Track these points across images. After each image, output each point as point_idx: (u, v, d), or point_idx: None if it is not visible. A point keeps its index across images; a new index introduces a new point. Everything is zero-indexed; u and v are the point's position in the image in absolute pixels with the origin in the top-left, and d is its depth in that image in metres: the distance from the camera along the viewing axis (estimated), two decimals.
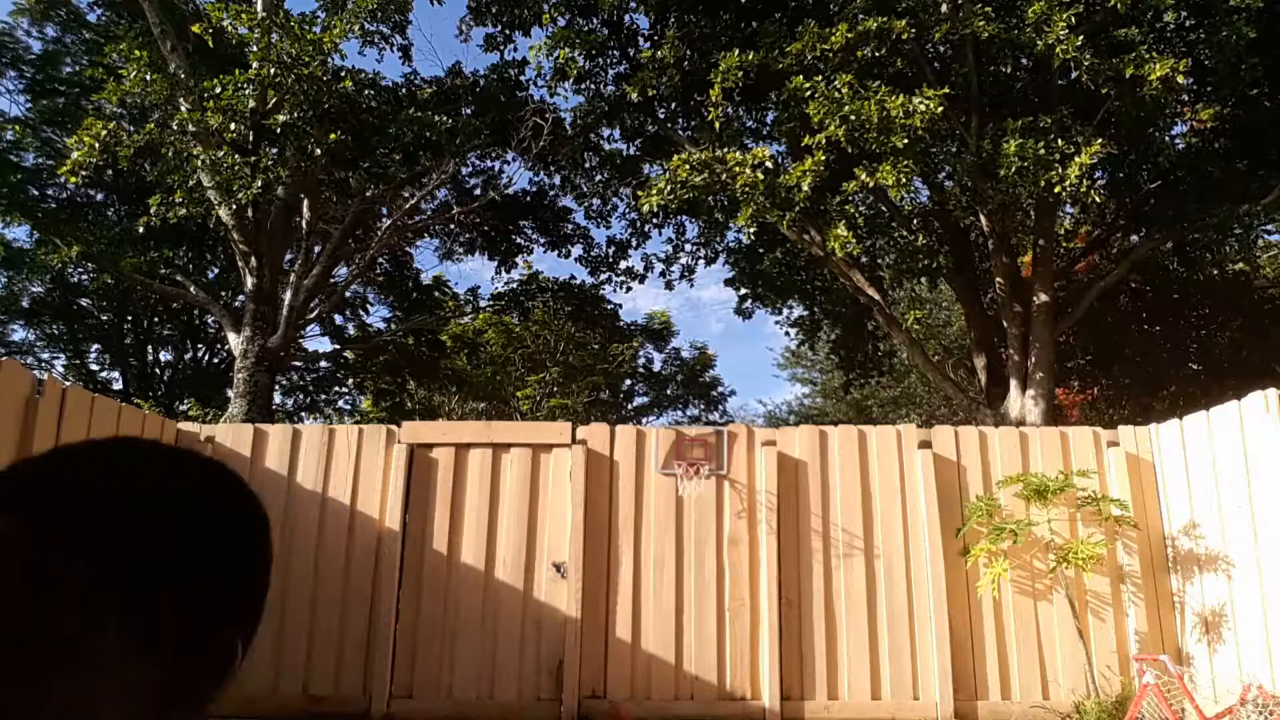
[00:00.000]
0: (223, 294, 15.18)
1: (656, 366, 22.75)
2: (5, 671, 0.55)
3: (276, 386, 13.96)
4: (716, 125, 10.09)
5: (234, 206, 10.28)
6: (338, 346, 17.39)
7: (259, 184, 9.56)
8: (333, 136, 10.16)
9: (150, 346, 18.61)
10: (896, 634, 6.40)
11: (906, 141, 8.49)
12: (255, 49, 9.72)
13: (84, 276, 16.04)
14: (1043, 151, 8.46)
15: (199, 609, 0.65)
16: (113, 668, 0.59)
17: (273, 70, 9.54)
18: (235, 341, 10.81)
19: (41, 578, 0.58)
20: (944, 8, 9.25)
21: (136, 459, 0.66)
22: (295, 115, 9.87)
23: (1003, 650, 6.35)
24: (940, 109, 8.64)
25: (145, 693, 0.61)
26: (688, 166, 9.69)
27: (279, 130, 10.06)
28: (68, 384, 5.42)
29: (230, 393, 11.35)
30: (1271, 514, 5.34)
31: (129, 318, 18.00)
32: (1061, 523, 6.36)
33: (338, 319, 17.37)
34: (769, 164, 9.50)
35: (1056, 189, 8.53)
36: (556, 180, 14.91)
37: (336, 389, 18.78)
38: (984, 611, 6.41)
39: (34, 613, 0.57)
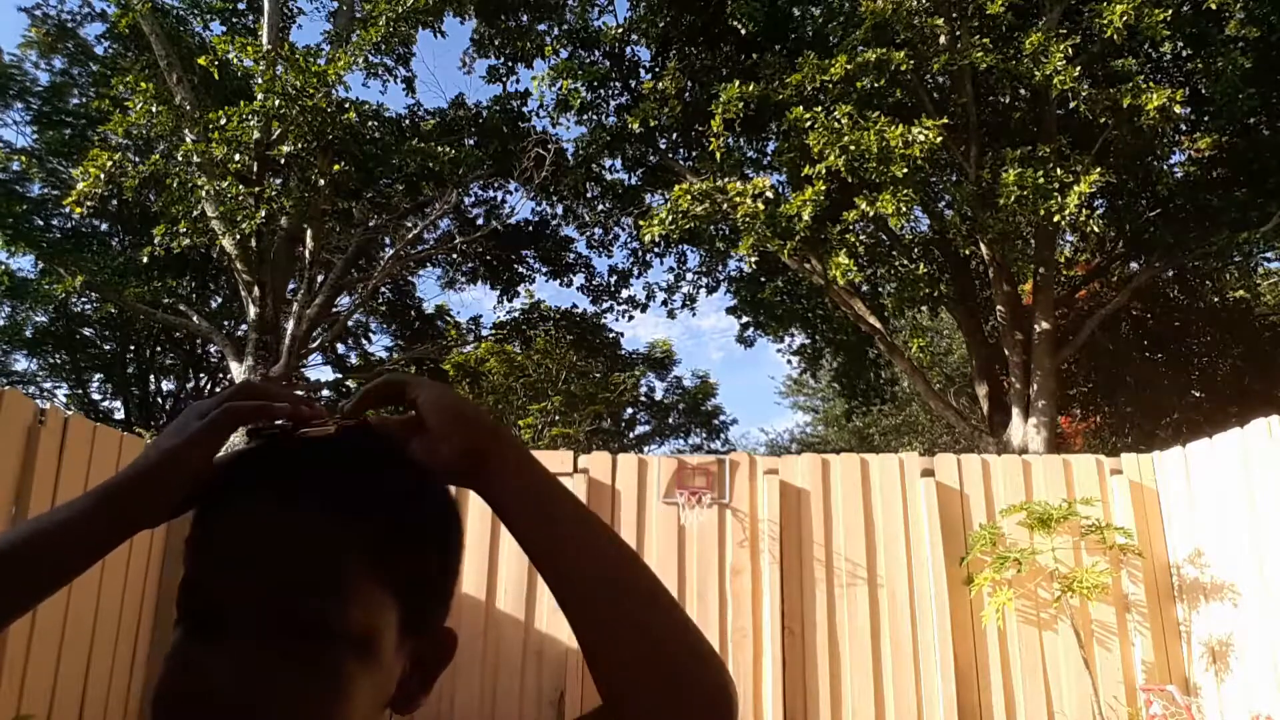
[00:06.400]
0: (225, 323, 15.21)
1: (658, 395, 22.73)
2: (315, 665, 0.62)
3: None
4: (717, 155, 10.16)
5: (237, 236, 10.33)
6: (340, 375, 17.40)
7: (263, 214, 9.62)
8: (336, 167, 10.24)
9: (152, 376, 18.63)
10: (900, 663, 6.35)
11: (906, 171, 8.55)
12: (260, 81, 9.82)
13: (87, 306, 16.10)
14: (1042, 180, 8.51)
15: (444, 600, 0.75)
16: (388, 659, 0.67)
17: (277, 102, 9.62)
18: (237, 371, 10.83)
19: (343, 578, 0.65)
20: (942, 39, 9.35)
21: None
22: (299, 146, 9.95)
23: (1008, 680, 6.29)
24: (939, 139, 8.70)
25: (396, 680, 0.69)
26: (689, 196, 9.75)
27: (283, 161, 10.14)
28: (69, 413, 5.42)
29: None
30: (1276, 541, 5.32)
31: (131, 347, 18.03)
32: (1065, 551, 6.33)
33: (340, 348, 17.41)
34: (770, 194, 9.56)
35: (1056, 218, 8.56)
36: (559, 210, 15.00)
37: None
38: (989, 641, 6.36)
39: (341, 609, 0.64)
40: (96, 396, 18.67)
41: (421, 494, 0.73)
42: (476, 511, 6.64)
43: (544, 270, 16.14)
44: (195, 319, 12.67)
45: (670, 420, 23.52)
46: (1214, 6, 8.64)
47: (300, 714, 0.60)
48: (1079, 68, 8.69)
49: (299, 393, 0.73)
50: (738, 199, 9.45)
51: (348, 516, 0.66)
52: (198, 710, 0.59)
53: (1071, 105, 9.44)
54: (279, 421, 0.72)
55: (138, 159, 10.84)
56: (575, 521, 0.71)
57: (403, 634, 0.68)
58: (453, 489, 0.77)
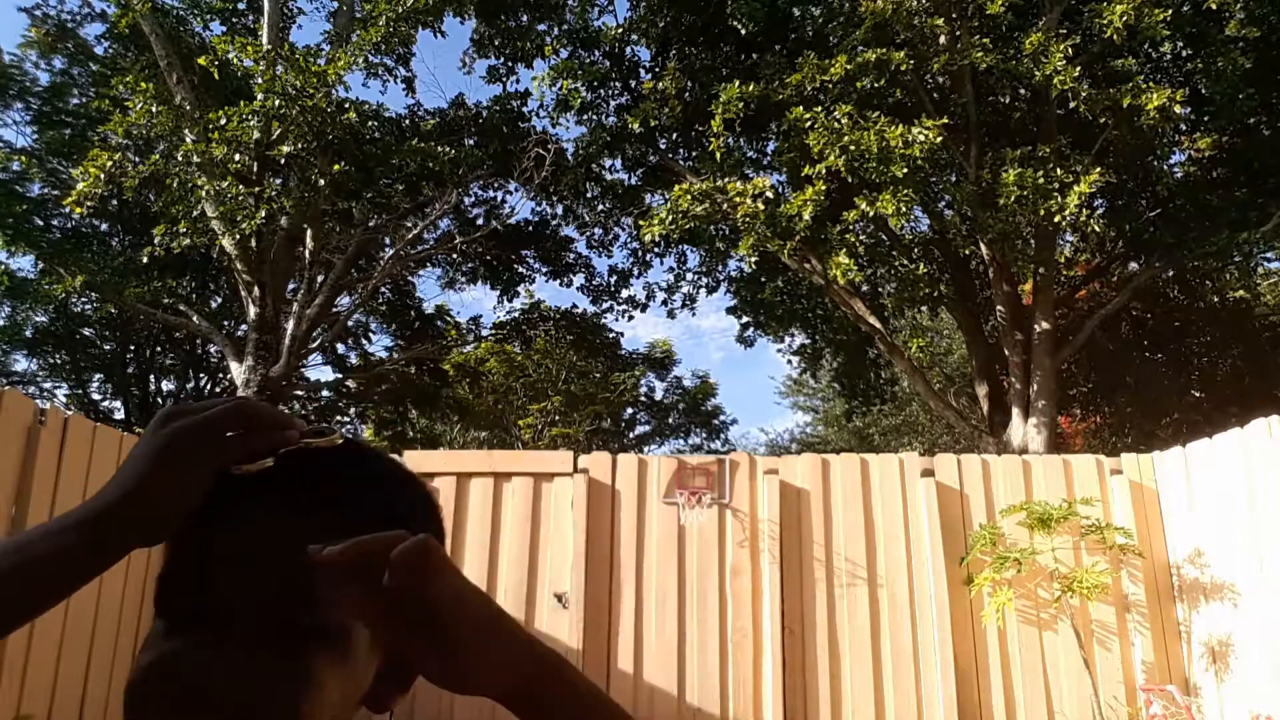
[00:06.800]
0: (225, 323, 15.20)
1: (658, 395, 22.74)
2: (289, 661, 0.62)
3: None
4: (718, 155, 10.15)
5: (237, 237, 10.33)
6: (340, 375, 17.39)
7: (262, 214, 9.61)
8: (336, 167, 10.23)
9: (152, 376, 18.61)
10: (900, 663, 6.35)
11: (906, 171, 8.55)
12: (260, 81, 9.81)
13: (87, 306, 16.08)
14: (1042, 180, 8.51)
15: None
16: (362, 658, 0.67)
17: (277, 102, 9.62)
18: (237, 371, 10.83)
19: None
20: (942, 39, 9.35)
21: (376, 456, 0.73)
22: (299, 146, 9.95)
23: (1008, 680, 6.29)
24: (939, 139, 8.70)
25: (370, 679, 0.69)
26: (689, 196, 9.75)
27: (283, 161, 10.14)
28: (69, 413, 5.42)
29: None
30: (1276, 541, 5.32)
31: (131, 347, 18.02)
32: (1065, 551, 6.33)
33: (340, 348, 17.38)
34: (770, 194, 9.56)
35: (1056, 218, 8.56)
36: (559, 210, 14.99)
37: (339, 418, 18.77)
38: (989, 641, 6.36)
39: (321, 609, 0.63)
40: (96, 396, 18.65)
41: (412, 499, 0.74)
42: (477, 512, 6.65)
43: (544, 270, 16.14)
44: (195, 319, 12.66)
45: (670, 420, 23.53)
46: (1214, 6, 8.65)
47: (270, 705, 0.61)
48: (1079, 68, 8.69)
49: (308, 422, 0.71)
50: (738, 199, 9.45)
51: (338, 519, 0.66)
52: (167, 700, 0.60)
53: (1071, 105, 9.44)
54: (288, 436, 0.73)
55: (138, 159, 10.84)
56: None
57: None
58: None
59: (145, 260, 10.78)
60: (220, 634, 0.61)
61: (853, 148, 8.69)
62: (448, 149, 11.81)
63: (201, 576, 0.65)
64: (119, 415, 18.07)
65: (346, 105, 10.85)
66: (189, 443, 0.67)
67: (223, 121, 9.64)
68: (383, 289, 15.67)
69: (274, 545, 0.65)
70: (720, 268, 15.04)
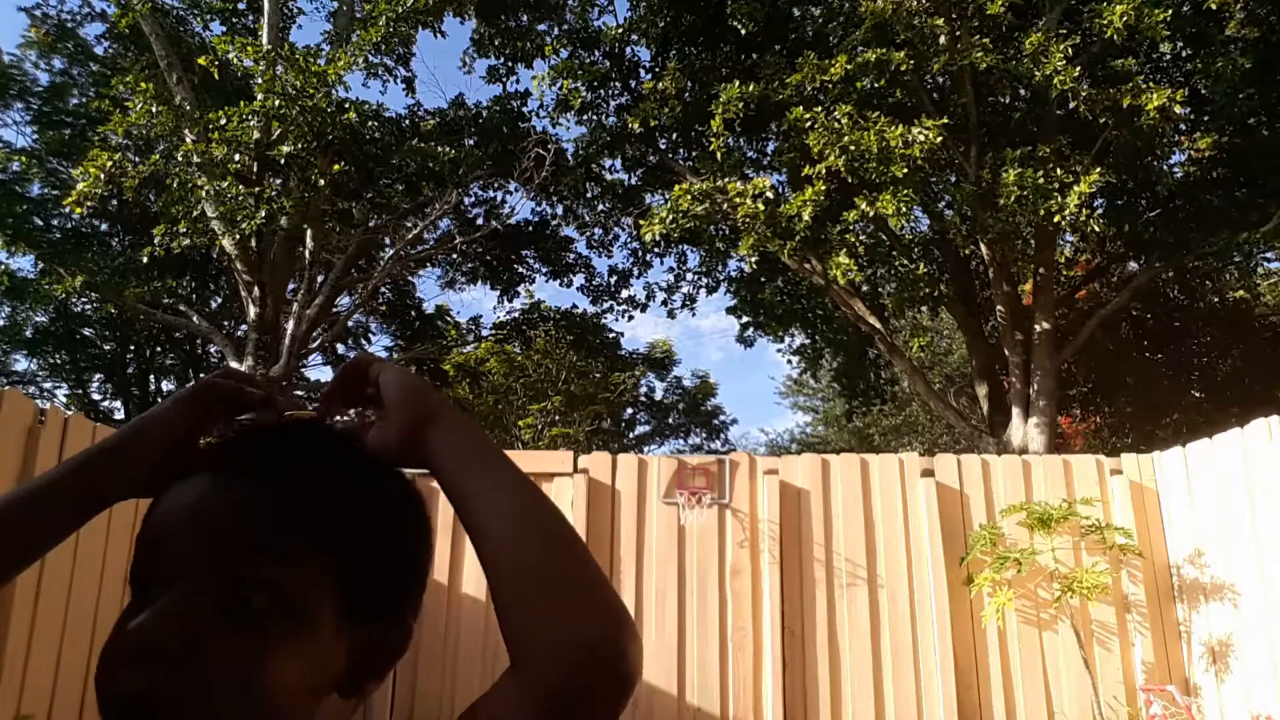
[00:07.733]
0: (225, 324, 15.20)
1: (658, 395, 22.75)
2: (244, 623, 0.62)
3: None
4: (718, 155, 10.16)
5: (237, 237, 10.33)
6: None
7: (262, 214, 9.61)
8: (336, 167, 10.23)
9: (152, 376, 18.62)
10: (900, 664, 6.35)
11: (906, 171, 8.54)
12: (260, 81, 9.82)
13: (87, 306, 16.08)
14: (1042, 181, 8.50)
15: (396, 588, 0.74)
16: (326, 637, 0.66)
17: (277, 102, 9.62)
18: None
19: (278, 544, 0.65)
20: (942, 39, 9.34)
21: (344, 447, 0.74)
22: (299, 146, 9.95)
23: (1008, 681, 6.29)
24: (939, 139, 8.70)
25: (341, 663, 0.68)
26: (689, 196, 9.75)
27: (283, 161, 10.14)
28: (69, 413, 5.42)
29: None
30: (1276, 541, 5.31)
31: (131, 347, 18.03)
32: (1065, 551, 6.33)
33: (340, 348, 17.36)
34: (770, 194, 9.56)
35: (1056, 218, 8.56)
36: (559, 210, 15.00)
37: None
38: (989, 641, 6.36)
39: (273, 573, 0.64)
40: (96, 396, 18.66)
41: (379, 485, 0.74)
42: None
43: (544, 270, 16.14)
44: (195, 319, 12.66)
45: (670, 420, 23.54)
46: (1214, 6, 8.64)
47: (226, 667, 0.61)
48: (1079, 68, 8.69)
49: (296, 393, 0.74)
50: (738, 199, 9.45)
51: (294, 492, 0.68)
52: (128, 663, 0.61)
53: (1071, 105, 9.43)
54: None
55: (138, 159, 10.84)
56: (498, 471, 0.70)
57: (346, 617, 0.68)
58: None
59: (145, 260, 10.78)
60: (179, 603, 0.62)
61: (853, 148, 8.69)
62: (448, 149, 11.81)
63: (163, 545, 0.66)
64: (119, 415, 18.07)
65: (346, 105, 10.84)
66: (211, 390, 0.77)
67: (223, 121, 9.64)
68: (383, 289, 15.66)
69: (232, 514, 0.66)
70: (720, 268, 15.04)
